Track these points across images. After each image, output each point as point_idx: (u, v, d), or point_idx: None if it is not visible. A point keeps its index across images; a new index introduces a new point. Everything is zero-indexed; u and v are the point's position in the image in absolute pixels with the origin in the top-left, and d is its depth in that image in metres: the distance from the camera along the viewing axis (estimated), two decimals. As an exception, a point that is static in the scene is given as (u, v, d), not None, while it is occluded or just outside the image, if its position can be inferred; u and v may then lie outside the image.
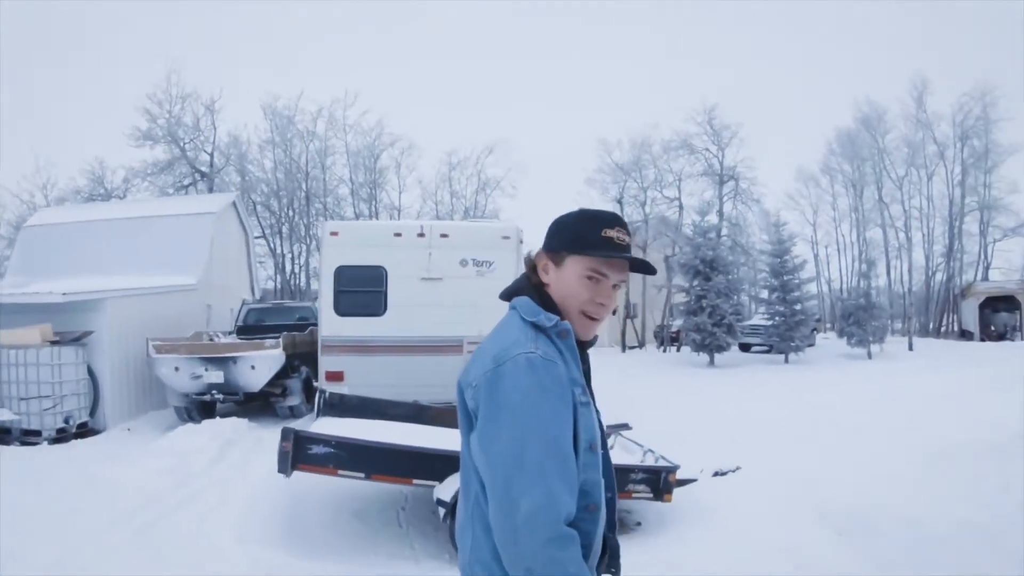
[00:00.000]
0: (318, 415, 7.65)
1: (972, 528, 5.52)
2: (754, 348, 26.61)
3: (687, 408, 12.95)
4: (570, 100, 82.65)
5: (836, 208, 44.71)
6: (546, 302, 1.73)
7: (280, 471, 5.67)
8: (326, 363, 10.15)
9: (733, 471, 7.68)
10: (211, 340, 12.74)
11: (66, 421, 10.70)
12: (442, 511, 5.55)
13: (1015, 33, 49.22)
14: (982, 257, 40.95)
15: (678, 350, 28.41)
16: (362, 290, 10.17)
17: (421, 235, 10.23)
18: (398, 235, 10.31)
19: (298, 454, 5.64)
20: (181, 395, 11.73)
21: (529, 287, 1.77)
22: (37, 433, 10.40)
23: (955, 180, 40.07)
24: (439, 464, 5.69)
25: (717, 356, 23.45)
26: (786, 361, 23.65)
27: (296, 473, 5.72)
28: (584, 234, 1.71)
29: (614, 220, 1.74)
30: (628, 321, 32.49)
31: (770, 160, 56.97)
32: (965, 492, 6.16)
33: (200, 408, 11.89)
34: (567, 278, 1.72)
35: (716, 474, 7.64)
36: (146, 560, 5.42)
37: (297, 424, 6.81)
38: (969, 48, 66.14)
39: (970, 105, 38.89)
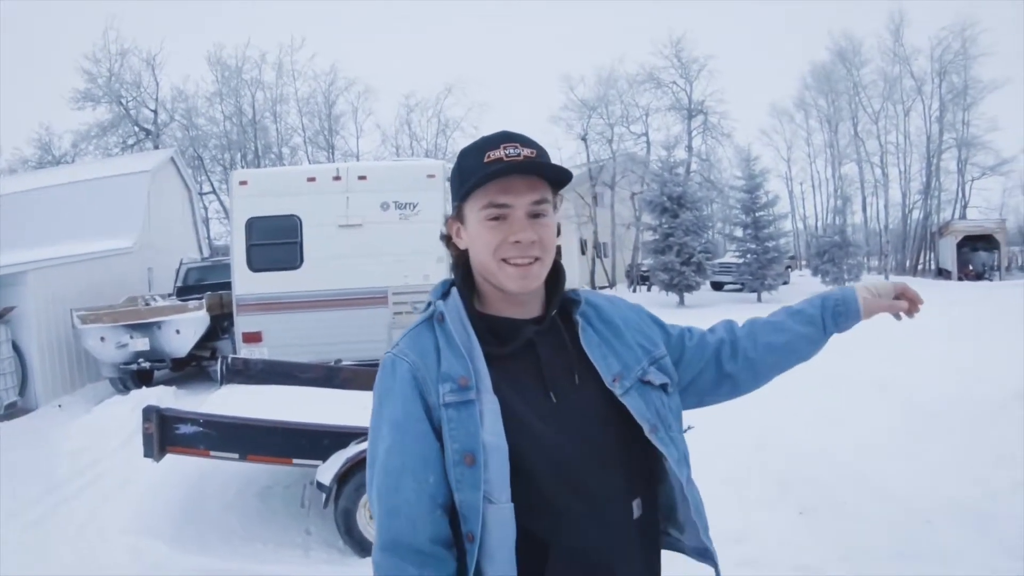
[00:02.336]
0: (221, 383, 7.10)
1: (959, 508, 4.86)
2: (726, 287, 26.47)
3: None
4: (533, 36, 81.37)
5: (811, 144, 45.07)
6: (469, 275, 1.47)
7: (146, 456, 5.12)
8: (242, 323, 9.70)
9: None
10: (147, 304, 12.20)
11: (-7, 402, 10.24)
12: (323, 496, 4.91)
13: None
14: (960, 195, 41.49)
15: (648, 290, 27.97)
16: (276, 242, 9.70)
17: (337, 178, 9.70)
18: (312, 180, 9.78)
19: (165, 435, 5.09)
20: (111, 365, 11.28)
21: (454, 263, 1.51)
22: (-36, 417, 9.92)
23: (933, 116, 40.20)
24: (325, 441, 5.08)
25: (687, 295, 23.09)
26: (759, 300, 23.35)
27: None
28: (468, 170, 1.40)
29: (499, 138, 1.41)
30: (598, 260, 32.36)
31: (742, 95, 56.63)
32: (952, 463, 5.50)
33: (135, 377, 11.45)
34: (472, 231, 1.42)
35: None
36: (30, 558, 5.12)
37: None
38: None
39: (949, 40, 38.80)
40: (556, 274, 1.48)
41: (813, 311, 1.70)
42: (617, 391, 1.42)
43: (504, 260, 1.38)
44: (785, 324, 1.70)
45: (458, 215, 1.45)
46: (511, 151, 1.37)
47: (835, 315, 1.69)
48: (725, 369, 1.66)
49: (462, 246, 1.46)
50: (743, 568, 4.24)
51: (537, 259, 1.39)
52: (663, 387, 1.50)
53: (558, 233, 1.46)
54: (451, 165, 8.58)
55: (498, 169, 1.35)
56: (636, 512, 1.42)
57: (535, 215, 1.39)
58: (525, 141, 1.40)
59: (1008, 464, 5.29)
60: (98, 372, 11.87)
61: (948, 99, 39.43)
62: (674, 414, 1.51)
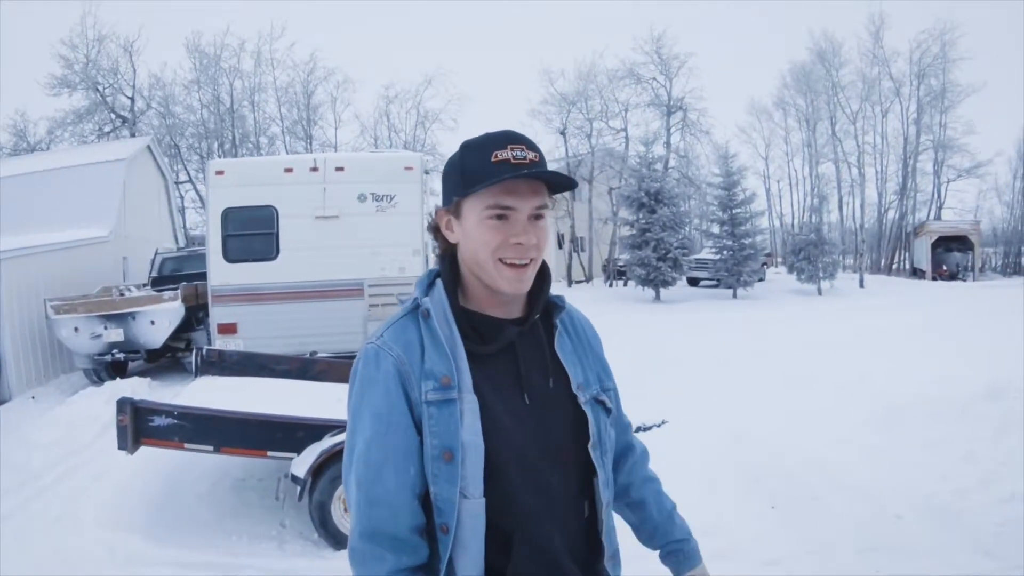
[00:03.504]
0: (196, 374, 7.09)
1: (928, 504, 4.94)
2: (702, 283, 26.52)
3: (620, 348, 12.28)
4: (513, 29, 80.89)
5: (789, 142, 45.38)
6: (456, 269, 1.46)
7: (121, 448, 5.08)
8: (217, 315, 9.59)
9: (658, 426, 6.98)
10: (121, 295, 12.00)
11: (-36, 395, 10.01)
12: (297, 489, 4.89)
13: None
14: (935, 196, 42.07)
15: (625, 285, 28.05)
16: (252, 233, 9.61)
17: (314, 169, 9.61)
18: (289, 170, 9.67)
19: (139, 427, 5.05)
20: (85, 356, 11.08)
21: (440, 255, 1.51)
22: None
23: (910, 118, 40.67)
24: (300, 434, 5.07)
25: (663, 291, 23.18)
26: (734, 296, 23.52)
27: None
28: (472, 167, 1.39)
29: (506, 138, 1.40)
30: (574, 255, 32.35)
31: (722, 93, 56.78)
32: (922, 460, 5.58)
33: (109, 368, 11.26)
34: (470, 228, 1.42)
35: (638, 429, 6.88)
36: (3, 552, 5.01)
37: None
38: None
39: (928, 43, 39.41)
40: (541, 275, 1.50)
41: (668, 535, 1.72)
42: (581, 398, 1.47)
43: (501, 260, 1.39)
44: (653, 512, 1.72)
45: (454, 209, 1.44)
46: (518, 153, 1.38)
47: (681, 545, 1.72)
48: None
49: (452, 239, 1.46)
50: (713, 561, 4.22)
51: (532, 260, 1.41)
52: (608, 413, 1.54)
53: None
54: (429, 158, 8.59)
55: (510, 172, 1.36)
56: (586, 512, 1.49)
57: (536, 217, 1.41)
58: (530, 144, 1.41)
59: (976, 461, 5.38)
60: (72, 363, 11.65)
61: (926, 101, 39.91)
62: (610, 442, 1.54)
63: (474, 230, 1.41)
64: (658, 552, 1.70)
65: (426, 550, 1.38)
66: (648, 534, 1.73)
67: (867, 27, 39.62)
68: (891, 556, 4.28)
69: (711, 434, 6.46)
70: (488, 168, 1.37)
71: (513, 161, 1.37)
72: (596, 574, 1.51)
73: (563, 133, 33.84)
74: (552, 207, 1.46)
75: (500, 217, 1.38)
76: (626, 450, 1.72)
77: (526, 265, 1.40)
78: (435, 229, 1.50)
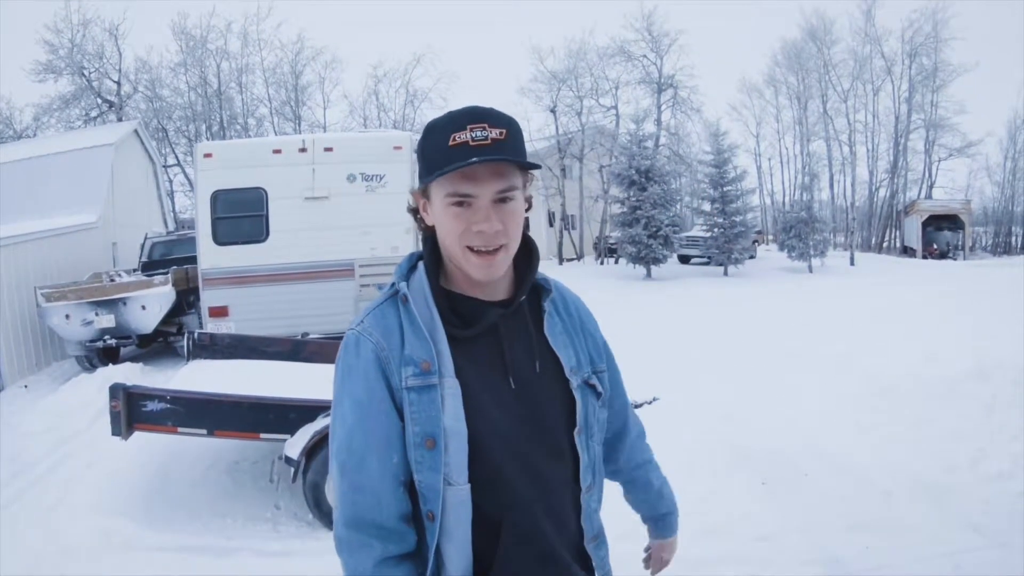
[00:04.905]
0: (188, 358, 7.08)
1: (917, 482, 4.97)
2: (693, 260, 26.56)
3: (611, 326, 12.27)
4: (502, 6, 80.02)
5: (780, 120, 45.48)
6: (437, 251, 1.43)
7: (114, 434, 5.11)
8: (208, 298, 9.54)
9: (649, 403, 6.96)
10: (112, 281, 11.99)
11: (-44, 384, 9.98)
12: (291, 470, 4.91)
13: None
14: (926, 175, 42.34)
15: (616, 262, 28.00)
16: (242, 215, 9.54)
17: (303, 150, 9.53)
18: (278, 152, 9.60)
19: (132, 413, 5.08)
20: (77, 343, 11.03)
21: (423, 237, 1.46)
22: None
23: (902, 97, 40.87)
24: (292, 415, 5.08)
25: (654, 268, 23.18)
26: (725, 274, 23.56)
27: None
28: (432, 151, 1.35)
29: (466, 117, 1.33)
30: (565, 232, 32.29)
31: (713, 70, 56.51)
32: (911, 438, 5.59)
33: (101, 355, 11.21)
34: (436, 214, 1.38)
35: (629, 407, 6.90)
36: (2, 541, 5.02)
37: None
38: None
39: (920, 22, 39.49)
40: (528, 256, 1.46)
41: (654, 509, 1.84)
42: (572, 383, 1.45)
43: (468, 248, 1.34)
44: (641, 491, 1.83)
45: (424, 192, 1.41)
46: (478, 134, 1.31)
47: (661, 519, 1.84)
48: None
49: (429, 222, 1.43)
50: (703, 537, 4.29)
51: (502, 247, 1.35)
52: (599, 396, 1.51)
53: (529, 207, 1.43)
54: (418, 137, 8.65)
55: (461, 159, 1.29)
56: (577, 496, 1.48)
57: (501, 200, 1.34)
58: (494, 119, 1.33)
59: (965, 440, 5.39)
60: (64, 351, 11.63)
61: (917, 80, 40.11)
62: (599, 424, 1.52)
63: (440, 217, 1.37)
64: (644, 518, 1.84)
65: (413, 537, 1.37)
66: (635, 505, 1.84)
67: (859, 5, 39.98)
68: (880, 533, 4.33)
69: (701, 411, 6.47)
70: (444, 153, 1.31)
71: (472, 144, 1.30)
72: (587, 557, 1.50)
73: (553, 111, 33.50)
74: (525, 187, 1.40)
75: (460, 204, 1.33)
76: (621, 432, 1.72)
77: (494, 252, 1.35)
78: (415, 211, 1.47)
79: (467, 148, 1.30)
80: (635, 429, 1.77)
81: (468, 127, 1.31)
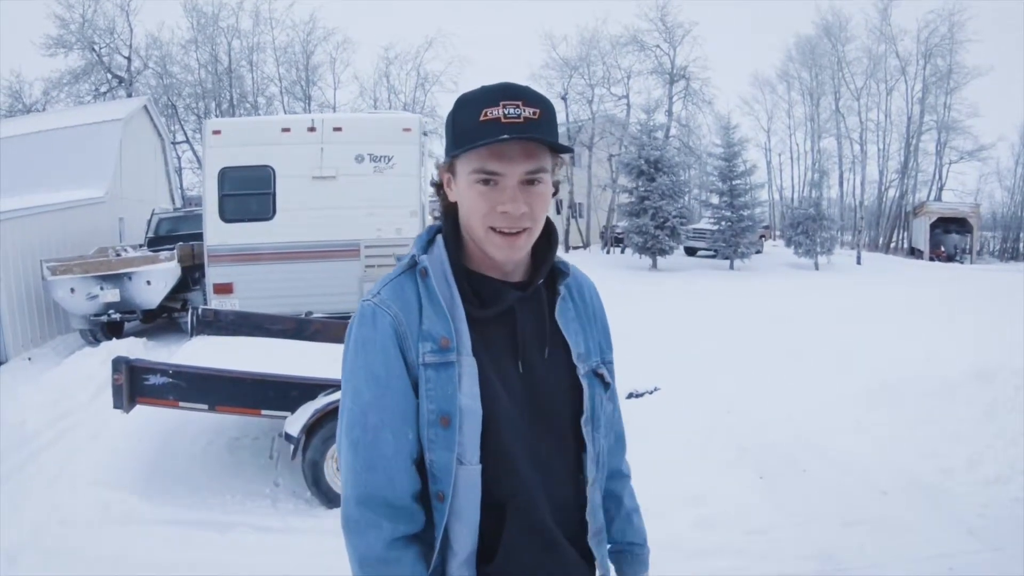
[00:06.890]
0: (192, 334, 7.12)
1: (913, 481, 4.98)
2: (700, 252, 26.47)
3: (616, 315, 12.25)
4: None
5: (791, 116, 45.23)
6: (458, 228, 1.39)
7: (116, 407, 5.16)
8: (213, 275, 9.56)
9: (650, 392, 7.01)
10: (117, 255, 11.97)
11: (-39, 356, 9.98)
12: (291, 447, 4.93)
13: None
14: (936, 177, 42.14)
15: (622, 252, 27.97)
16: (249, 193, 9.57)
17: (312, 129, 9.54)
18: (286, 131, 9.61)
19: (134, 386, 5.11)
20: (81, 317, 11.05)
21: (444, 213, 1.42)
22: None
23: (915, 97, 40.65)
24: (294, 393, 5.12)
25: (661, 259, 23.16)
26: (731, 267, 23.53)
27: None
28: (462, 124, 1.29)
29: (500, 93, 1.28)
30: (572, 221, 32.20)
31: (725, 63, 56.19)
32: (908, 438, 5.61)
33: (105, 329, 11.23)
34: (461, 190, 1.34)
35: (631, 396, 6.94)
36: (0, 512, 5.02)
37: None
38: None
39: (937, 23, 39.25)
40: (547, 240, 1.43)
41: (622, 534, 1.65)
42: (580, 369, 1.42)
43: (492, 228, 1.31)
44: (611, 507, 1.63)
45: (450, 166, 1.36)
46: (511, 111, 1.26)
47: (627, 550, 1.65)
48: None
49: (452, 198, 1.39)
50: (698, 529, 4.32)
51: (526, 229, 1.32)
52: (607, 387, 1.49)
53: (556, 193, 1.40)
54: (428, 120, 8.58)
55: (491, 135, 1.25)
56: (580, 487, 1.44)
57: (529, 182, 1.30)
58: (529, 97, 1.29)
59: (962, 441, 5.41)
60: (68, 324, 11.64)
61: (931, 81, 39.89)
62: (605, 416, 1.48)
63: (464, 193, 1.33)
64: (608, 548, 1.60)
65: (423, 517, 1.34)
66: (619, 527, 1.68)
67: (875, 4, 39.49)
68: (875, 531, 4.33)
69: (702, 403, 6.50)
70: (475, 127, 1.27)
71: (504, 120, 1.26)
72: (587, 550, 1.46)
73: (564, 98, 33.39)
74: (554, 171, 1.36)
75: (487, 182, 1.29)
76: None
77: (518, 234, 1.31)
78: (438, 186, 1.43)
79: (498, 125, 1.26)
80: (617, 433, 1.67)
81: (501, 103, 1.27)
